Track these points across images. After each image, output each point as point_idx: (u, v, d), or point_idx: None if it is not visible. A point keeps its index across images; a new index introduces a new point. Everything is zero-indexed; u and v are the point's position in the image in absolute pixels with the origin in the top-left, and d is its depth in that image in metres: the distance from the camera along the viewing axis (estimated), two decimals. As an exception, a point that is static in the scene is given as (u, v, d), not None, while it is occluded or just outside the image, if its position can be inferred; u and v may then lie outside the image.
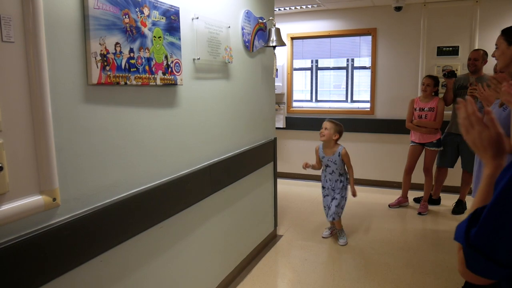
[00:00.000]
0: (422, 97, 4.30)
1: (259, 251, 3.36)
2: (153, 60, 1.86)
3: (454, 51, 4.86)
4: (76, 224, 1.49)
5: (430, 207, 4.40)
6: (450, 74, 4.28)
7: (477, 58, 4.07)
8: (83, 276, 1.56)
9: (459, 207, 4.33)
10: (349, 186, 3.51)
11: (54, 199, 1.40)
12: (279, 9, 5.30)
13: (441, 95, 4.39)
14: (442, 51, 4.92)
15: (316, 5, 5.12)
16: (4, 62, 1.22)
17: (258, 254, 3.33)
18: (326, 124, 3.46)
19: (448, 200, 4.52)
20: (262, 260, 3.24)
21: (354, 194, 3.45)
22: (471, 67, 4.12)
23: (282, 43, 3.13)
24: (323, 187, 3.60)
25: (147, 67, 1.82)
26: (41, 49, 1.31)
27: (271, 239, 3.63)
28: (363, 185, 5.46)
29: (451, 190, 4.83)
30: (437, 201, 4.55)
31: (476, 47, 4.63)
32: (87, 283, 1.59)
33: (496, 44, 2.19)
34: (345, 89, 5.77)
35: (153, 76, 1.87)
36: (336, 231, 3.66)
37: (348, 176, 3.52)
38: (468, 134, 1.01)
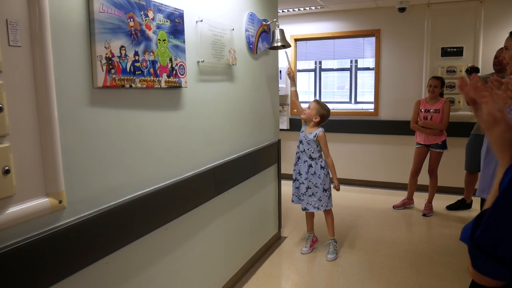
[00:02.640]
0: (428, 98, 4.27)
1: (263, 253, 3.37)
2: (158, 63, 1.87)
3: (458, 51, 4.85)
4: (81, 226, 1.50)
5: (435, 209, 4.39)
6: (472, 69, 4.13)
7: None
8: (89, 278, 1.57)
9: (456, 204, 4.37)
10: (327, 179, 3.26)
11: (60, 202, 1.41)
12: (282, 11, 5.30)
13: (448, 97, 4.36)
14: (446, 52, 4.90)
15: (319, 7, 5.13)
16: (11, 66, 1.24)
17: (262, 256, 3.33)
18: (311, 104, 3.29)
19: (453, 201, 4.50)
20: (266, 262, 3.24)
21: (336, 188, 3.26)
22: (496, 66, 3.94)
23: (287, 43, 3.14)
24: (294, 165, 3.38)
25: (151, 70, 1.83)
26: (47, 53, 1.32)
27: (275, 241, 3.63)
28: (367, 187, 5.46)
29: (448, 191, 4.83)
30: (469, 205, 4.41)
31: (481, 48, 4.62)
32: (93, 285, 1.60)
33: (506, 47, 2.12)
34: (348, 90, 5.77)
35: (157, 78, 1.88)
36: (313, 238, 3.48)
37: (322, 164, 3.24)
38: (490, 131, 0.96)
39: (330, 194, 3.29)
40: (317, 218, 3.55)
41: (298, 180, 3.33)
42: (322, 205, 3.26)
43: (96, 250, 1.57)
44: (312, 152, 3.25)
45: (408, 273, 3.01)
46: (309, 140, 3.24)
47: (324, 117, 3.27)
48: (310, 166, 3.26)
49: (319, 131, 3.23)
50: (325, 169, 3.25)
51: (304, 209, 3.32)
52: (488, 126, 0.97)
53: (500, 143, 0.94)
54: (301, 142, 3.30)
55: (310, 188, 3.26)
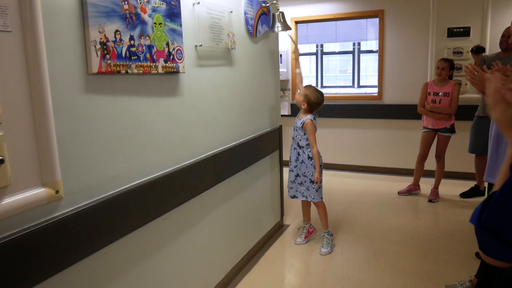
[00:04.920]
0: (437, 81, 4.22)
1: (266, 241, 3.38)
2: (154, 48, 1.85)
3: (465, 32, 4.79)
4: (79, 217, 1.50)
5: (441, 195, 4.39)
6: (478, 49, 4.06)
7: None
8: (88, 269, 1.58)
9: (470, 191, 4.33)
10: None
11: (57, 192, 1.41)
12: (282, -8, 5.25)
13: (455, 79, 4.33)
14: (452, 32, 4.84)
15: (321, -13, 5.07)
16: (2, 52, 1.22)
17: (265, 244, 3.35)
18: (302, 89, 3.18)
19: (461, 186, 4.50)
20: (269, 250, 3.26)
21: (315, 182, 3.13)
22: (504, 44, 3.90)
23: (287, 27, 3.11)
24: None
25: (148, 55, 1.81)
26: (39, 38, 1.31)
27: (278, 229, 3.65)
28: (371, 173, 5.47)
29: (455, 176, 4.84)
30: (484, 192, 4.30)
31: (489, 28, 4.57)
32: (92, 276, 1.61)
33: None
34: (351, 74, 5.73)
35: (154, 64, 1.86)
36: (309, 229, 3.43)
37: (310, 154, 3.14)
38: (493, 110, 1.00)
39: (320, 187, 3.19)
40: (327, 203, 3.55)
41: (290, 165, 3.30)
42: (309, 196, 3.21)
43: (94, 241, 1.57)
44: (300, 140, 3.18)
45: (414, 260, 3.03)
46: (297, 127, 3.19)
47: (312, 105, 3.13)
48: (298, 154, 3.21)
49: (307, 118, 3.12)
50: (313, 160, 3.15)
51: (293, 196, 3.29)
52: (492, 106, 1.01)
53: (504, 122, 0.98)
54: (294, 128, 3.26)
55: (299, 176, 3.22)
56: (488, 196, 0.87)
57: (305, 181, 3.21)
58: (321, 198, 3.24)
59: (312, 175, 3.16)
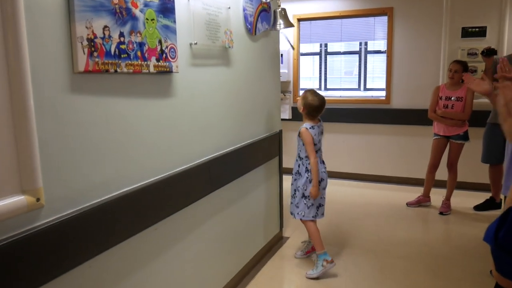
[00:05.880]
0: (449, 84, 4.24)
1: (264, 255, 3.38)
2: (146, 45, 1.86)
3: (481, 32, 4.81)
4: (62, 227, 1.49)
5: (454, 207, 4.38)
6: (489, 52, 4.10)
7: None
8: (70, 283, 1.56)
9: (485, 203, 4.32)
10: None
11: (38, 199, 1.40)
12: (284, -13, 5.26)
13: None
14: (467, 32, 4.86)
15: (325, -18, 5.09)
16: (-19, 48, 1.22)
17: (263, 258, 3.34)
18: (303, 93, 3.13)
19: (475, 198, 4.49)
20: (267, 264, 3.25)
21: (310, 194, 3.04)
22: None
23: (289, 25, 3.12)
24: None
25: (139, 53, 1.82)
26: (21, 34, 1.30)
27: (277, 242, 3.64)
28: (378, 182, 5.47)
29: (468, 187, 4.84)
30: (500, 205, 4.27)
31: (507, 27, 4.59)
32: (75, 291, 1.60)
33: None
34: (357, 76, 5.75)
35: (145, 62, 1.86)
36: (313, 246, 3.24)
37: (309, 167, 3.06)
38: (505, 122, 1.00)
39: (312, 205, 3.07)
40: (322, 224, 3.54)
41: (293, 183, 3.22)
42: (298, 213, 3.11)
43: (78, 253, 1.56)
44: (300, 151, 3.13)
45: (423, 277, 3.02)
46: (297, 136, 3.15)
47: (311, 107, 3.04)
48: (298, 166, 3.14)
49: (302, 126, 3.07)
50: (310, 173, 3.05)
51: (291, 213, 3.20)
52: (503, 118, 1.00)
53: None
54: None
55: (297, 190, 3.15)
56: (505, 212, 0.86)
57: (296, 196, 3.14)
58: (306, 217, 3.09)
59: (305, 189, 3.07)
